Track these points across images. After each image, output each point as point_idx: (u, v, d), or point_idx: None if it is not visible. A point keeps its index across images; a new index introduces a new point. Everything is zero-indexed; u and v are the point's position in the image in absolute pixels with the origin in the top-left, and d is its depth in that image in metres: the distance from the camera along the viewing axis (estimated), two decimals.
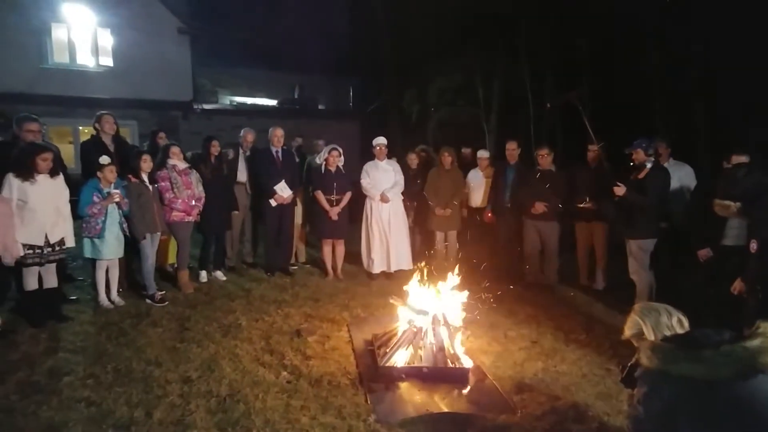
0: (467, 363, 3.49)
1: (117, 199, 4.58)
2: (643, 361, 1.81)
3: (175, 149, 5.28)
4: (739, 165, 3.83)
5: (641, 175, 4.56)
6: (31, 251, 4.13)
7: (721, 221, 3.79)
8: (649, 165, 4.54)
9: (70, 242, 4.45)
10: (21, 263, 4.10)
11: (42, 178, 4.15)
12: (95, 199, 4.54)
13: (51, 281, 4.36)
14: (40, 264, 4.23)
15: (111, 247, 4.67)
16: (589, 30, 12.40)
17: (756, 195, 3.47)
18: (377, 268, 5.96)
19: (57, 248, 4.29)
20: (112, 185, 4.63)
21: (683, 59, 11.10)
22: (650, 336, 1.92)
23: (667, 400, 1.71)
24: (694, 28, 10.46)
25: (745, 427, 1.62)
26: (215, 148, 5.64)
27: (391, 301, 3.93)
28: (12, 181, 4.02)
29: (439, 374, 3.36)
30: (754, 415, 1.61)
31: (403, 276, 5.41)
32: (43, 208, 4.16)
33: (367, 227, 6.08)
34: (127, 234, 4.79)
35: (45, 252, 4.20)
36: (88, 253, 4.67)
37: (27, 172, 4.05)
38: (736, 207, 3.61)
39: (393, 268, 5.94)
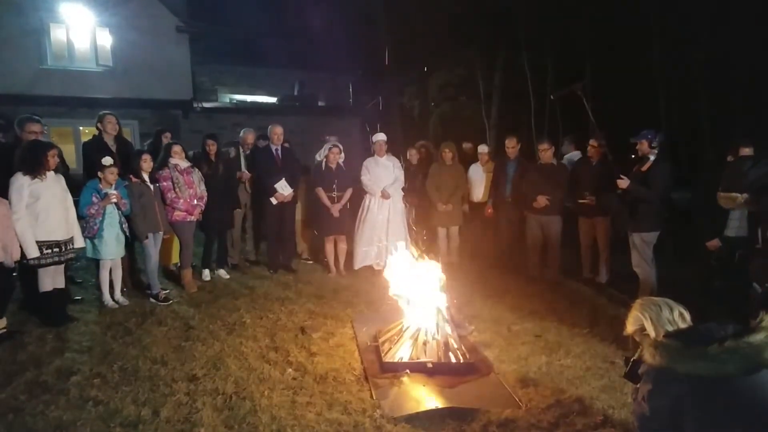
0: (471, 358, 3.50)
1: (114, 200, 4.58)
2: (647, 359, 1.81)
3: (176, 148, 5.26)
4: (745, 157, 3.84)
5: (645, 168, 4.54)
6: (49, 251, 4.13)
7: (725, 213, 3.80)
8: (652, 158, 4.52)
9: (80, 242, 4.47)
10: (38, 264, 4.09)
11: (50, 175, 4.16)
12: (94, 199, 4.56)
13: (59, 282, 4.38)
14: (60, 263, 4.25)
15: (110, 248, 4.67)
16: (590, 20, 12.34)
17: (764, 186, 3.47)
18: (359, 263, 6.02)
19: (68, 247, 4.31)
20: (112, 186, 4.63)
21: (685, 43, 10.96)
22: (651, 331, 1.91)
23: (672, 398, 1.70)
24: (696, 13, 10.36)
25: (750, 422, 1.62)
26: (213, 147, 5.62)
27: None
28: (22, 180, 3.98)
29: (443, 369, 3.37)
30: (760, 410, 1.61)
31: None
32: (55, 205, 4.17)
33: (361, 222, 6.09)
34: (128, 234, 4.80)
35: (63, 251, 4.22)
36: (89, 253, 4.69)
37: (38, 170, 4.03)
38: (743, 198, 3.62)
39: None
